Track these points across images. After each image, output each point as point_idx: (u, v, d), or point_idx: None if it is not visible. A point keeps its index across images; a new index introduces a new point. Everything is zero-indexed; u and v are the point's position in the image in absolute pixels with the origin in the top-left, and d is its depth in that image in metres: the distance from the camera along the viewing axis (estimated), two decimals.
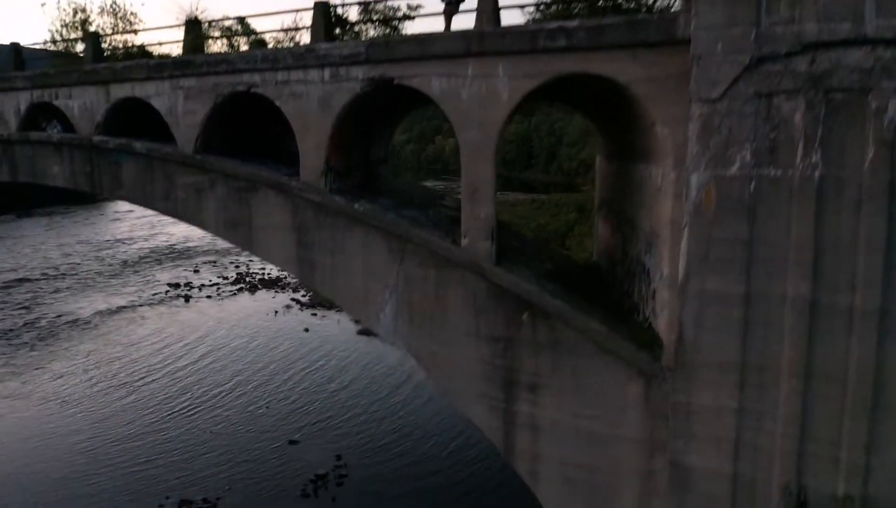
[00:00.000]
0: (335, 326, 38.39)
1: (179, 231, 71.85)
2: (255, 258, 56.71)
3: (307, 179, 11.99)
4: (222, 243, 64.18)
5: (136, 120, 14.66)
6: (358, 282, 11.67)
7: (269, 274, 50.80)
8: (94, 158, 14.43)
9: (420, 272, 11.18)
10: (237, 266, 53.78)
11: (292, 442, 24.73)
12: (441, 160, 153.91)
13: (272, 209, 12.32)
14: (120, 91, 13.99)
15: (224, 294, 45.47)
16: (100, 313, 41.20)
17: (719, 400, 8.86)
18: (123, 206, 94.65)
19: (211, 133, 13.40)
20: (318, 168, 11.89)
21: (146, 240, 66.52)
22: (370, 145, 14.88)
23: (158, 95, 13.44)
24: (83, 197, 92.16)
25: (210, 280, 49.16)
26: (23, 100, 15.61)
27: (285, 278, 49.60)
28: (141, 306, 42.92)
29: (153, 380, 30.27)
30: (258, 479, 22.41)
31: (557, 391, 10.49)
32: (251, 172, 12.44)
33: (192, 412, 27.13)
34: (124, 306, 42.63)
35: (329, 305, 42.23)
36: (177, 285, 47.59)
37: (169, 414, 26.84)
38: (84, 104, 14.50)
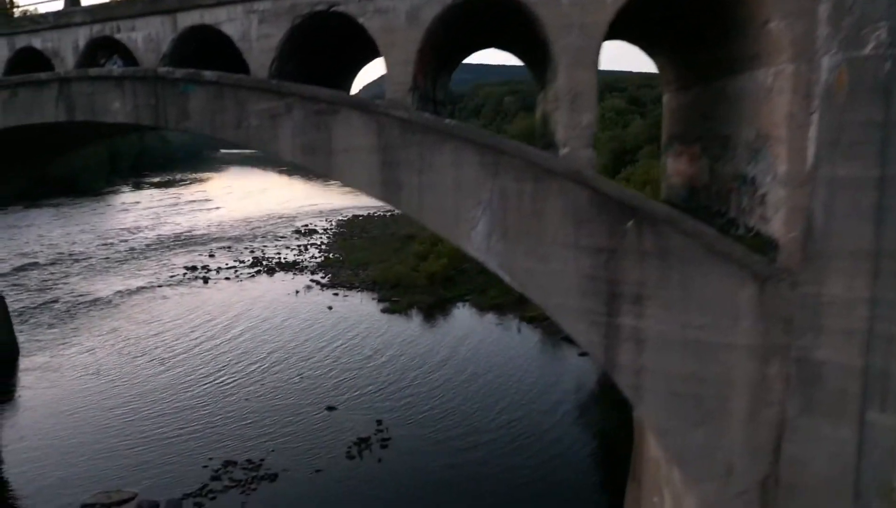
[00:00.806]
0: (358, 305, 38.06)
1: (185, 221, 71.53)
2: (269, 243, 56.42)
3: (393, 95, 11.72)
4: (234, 230, 63.95)
5: (202, 53, 14.36)
6: (448, 200, 11.38)
7: (285, 258, 50.41)
8: (159, 91, 14.10)
9: (515, 186, 10.89)
10: (252, 251, 53.34)
11: (330, 408, 24.43)
12: None
13: (354, 131, 12.02)
14: (188, 19, 13.68)
15: (242, 276, 45.05)
16: (119, 293, 40.78)
17: (851, 291, 8.62)
18: (129, 197, 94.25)
19: (285, 61, 13.11)
20: (405, 84, 11.61)
21: (153, 229, 66.06)
22: (436, 85, 14.65)
23: (230, 20, 13.14)
24: (88, 189, 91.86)
25: (227, 264, 48.72)
26: (81, 36, 15.27)
27: (302, 261, 49.31)
28: (160, 286, 42.49)
29: (186, 355, 29.88)
30: (300, 442, 22.09)
31: (664, 302, 10.21)
32: (332, 95, 12.15)
33: (228, 383, 26.74)
34: (143, 287, 42.21)
35: (349, 285, 41.99)
36: (194, 268, 47.17)
37: (206, 386, 26.45)
38: (149, 35, 14.18)
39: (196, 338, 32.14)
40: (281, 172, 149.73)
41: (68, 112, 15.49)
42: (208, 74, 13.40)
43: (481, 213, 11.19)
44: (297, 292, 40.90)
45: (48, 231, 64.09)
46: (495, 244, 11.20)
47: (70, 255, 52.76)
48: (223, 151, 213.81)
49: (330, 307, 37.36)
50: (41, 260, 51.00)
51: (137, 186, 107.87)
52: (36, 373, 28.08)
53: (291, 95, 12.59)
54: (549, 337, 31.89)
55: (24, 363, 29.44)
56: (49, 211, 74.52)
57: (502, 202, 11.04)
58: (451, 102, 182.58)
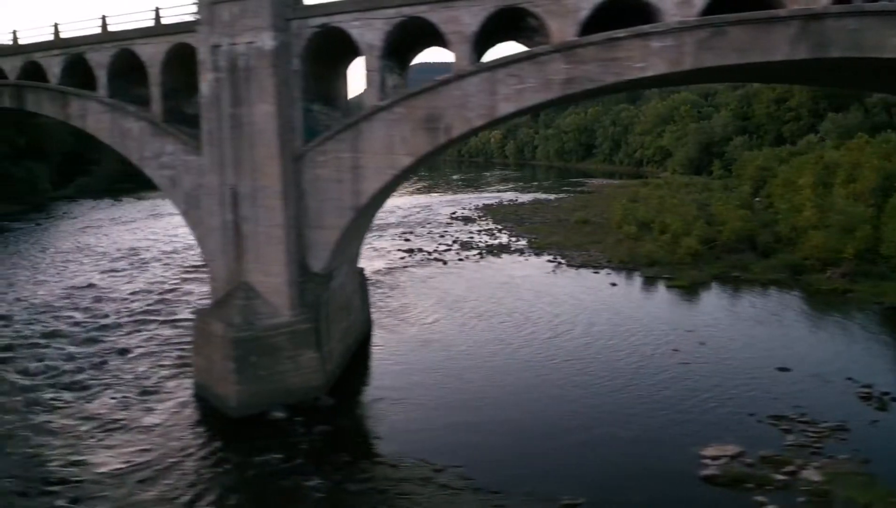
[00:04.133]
0: (637, 282, 37.95)
1: None
2: (445, 229, 55.70)
3: None
4: (387, 219, 62.55)
5: None
6: None
7: (486, 242, 49.79)
8: None
9: None
10: (441, 236, 52.64)
11: (782, 369, 24.38)
12: (485, 152, 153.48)
13: None
14: None
15: (472, 258, 44.40)
16: (376, 272, 39.69)
17: None
18: None
19: None
20: None
21: None
22: None
23: None
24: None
25: (437, 247, 47.95)
26: None
27: (509, 244, 48.88)
28: (406, 267, 41.58)
29: (532, 327, 29.18)
30: (807, 399, 21.93)
31: None
32: None
33: (617, 352, 26.30)
34: (391, 268, 41.24)
35: (596, 265, 41.64)
36: (411, 251, 46.29)
37: (600, 355, 25.93)
38: None
39: (515, 311, 31.55)
40: None
41: (815, 49, 15.30)
42: None
43: None
44: (553, 271, 40.60)
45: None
46: None
47: None
48: None
49: (614, 284, 37.24)
50: None
51: None
52: (433, 348, 27.29)
53: None
54: (865, 308, 32.46)
55: (387, 338, 28.53)
56: (153, 201, 71.85)
57: None
58: None
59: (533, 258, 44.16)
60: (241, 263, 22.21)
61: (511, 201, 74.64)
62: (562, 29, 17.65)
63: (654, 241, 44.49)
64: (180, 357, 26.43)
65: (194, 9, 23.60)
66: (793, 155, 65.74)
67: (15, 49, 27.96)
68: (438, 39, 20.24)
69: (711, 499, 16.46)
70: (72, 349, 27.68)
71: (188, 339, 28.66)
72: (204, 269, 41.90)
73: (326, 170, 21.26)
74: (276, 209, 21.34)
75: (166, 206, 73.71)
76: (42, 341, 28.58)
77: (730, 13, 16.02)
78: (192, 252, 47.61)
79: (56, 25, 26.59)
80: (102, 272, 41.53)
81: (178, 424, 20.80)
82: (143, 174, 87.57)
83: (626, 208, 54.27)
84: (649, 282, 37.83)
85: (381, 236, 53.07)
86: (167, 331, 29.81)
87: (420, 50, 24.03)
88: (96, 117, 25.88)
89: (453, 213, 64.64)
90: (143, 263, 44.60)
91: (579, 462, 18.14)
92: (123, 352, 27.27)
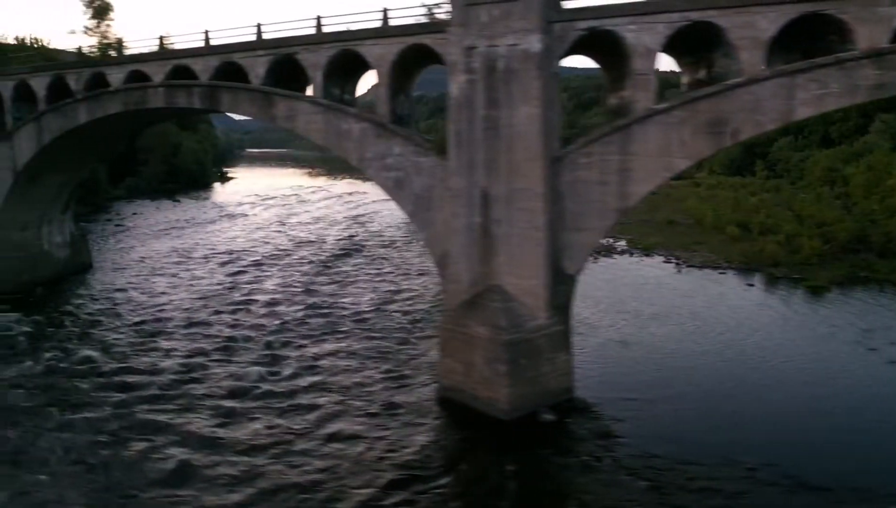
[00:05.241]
0: (767, 283, 38.28)
1: (392, 210, 69.27)
2: None
3: None
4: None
5: None
6: None
7: None
8: None
9: None
10: None
11: None
12: None
13: None
14: None
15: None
16: None
17: None
18: (264, 187, 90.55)
19: None
20: None
21: (384, 215, 64.42)
22: None
23: None
24: (206, 182, 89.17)
25: None
26: None
27: (610, 243, 49.05)
28: None
29: (742, 333, 29.22)
30: None
31: None
32: None
33: (855, 357, 26.51)
34: None
35: (714, 265, 42.02)
36: None
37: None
38: None
39: (689, 314, 31.81)
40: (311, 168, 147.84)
41: None
42: None
43: None
44: (678, 272, 40.91)
45: (282, 215, 61.51)
46: None
47: (374, 234, 51.94)
48: (249, 150, 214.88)
49: (750, 285, 37.66)
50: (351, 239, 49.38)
51: (224, 179, 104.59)
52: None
53: None
54: None
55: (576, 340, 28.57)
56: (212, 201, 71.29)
57: None
58: None
59: (646, 259, 44.46)
60: (490, 265, 22.20)
61: None
62: (872, 36, 17.93)
63: (764, 242, 45.03)
64: (380, 363, 26.28)
65: (422, 10, 23.57)
66: (853, 156, 67.13)
67: (209, 50, 27.62)
68: None
69: None
70: (259, 356, 27.23)
71: (381, 346, 28.33)
72: (329, 271, 42.09)
73: (589, 172, 21.30)
74: (537, 212, 21.35)
75: (230, 206, 73.34)
76: (227, 346, 28.22)
77: None
78: (297, 255, 47.36)
79: (259, 26, 26.36)
80: (222, 276, 41.02)
81: (447, 432, 20.71)
82: (185, 175, 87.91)
83: (714, 209, 54.93)
84: (782, 283, 38.26)
85: None
86: (345, 340, 29.19)
87: None
88: (307, 118, 25.68)
89: None
90: (255, 266, 44.08)
91: (886, 458, 18.48)
92: (317, 359, 26.96)
